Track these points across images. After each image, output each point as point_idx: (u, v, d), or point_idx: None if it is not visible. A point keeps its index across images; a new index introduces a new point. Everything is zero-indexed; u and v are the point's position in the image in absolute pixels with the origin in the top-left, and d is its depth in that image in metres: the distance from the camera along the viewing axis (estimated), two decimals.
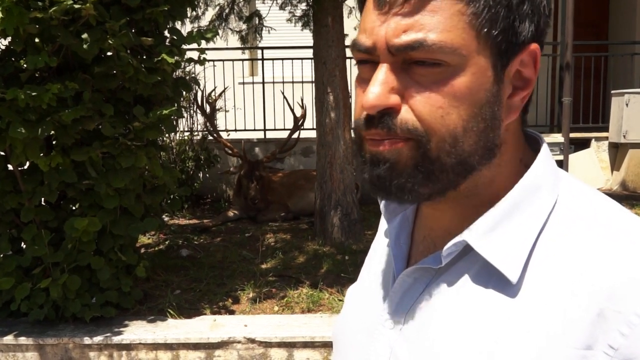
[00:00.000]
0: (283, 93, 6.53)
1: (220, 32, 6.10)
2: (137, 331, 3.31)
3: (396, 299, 0.63)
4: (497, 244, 0.56)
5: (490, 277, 0.56)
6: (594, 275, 0.51)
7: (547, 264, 0.55)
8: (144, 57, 3.39)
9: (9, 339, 3.25)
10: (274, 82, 7.28)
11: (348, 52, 5.33)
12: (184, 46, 3.47)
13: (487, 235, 0.57)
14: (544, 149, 0.61)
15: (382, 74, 0.55)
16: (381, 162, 0.57)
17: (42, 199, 3.37)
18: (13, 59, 3.19)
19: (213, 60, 6.33)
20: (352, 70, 6.75)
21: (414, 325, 0.60)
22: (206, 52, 3.49)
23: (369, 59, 0.57)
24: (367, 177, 0.58)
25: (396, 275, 0.64)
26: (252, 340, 3.22)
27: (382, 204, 0.70)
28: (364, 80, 0.58)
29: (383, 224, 0.75)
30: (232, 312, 3.69)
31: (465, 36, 0.53)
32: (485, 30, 0.53)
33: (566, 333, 0.51)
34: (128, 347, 3.24)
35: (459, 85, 0.54)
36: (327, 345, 3.20)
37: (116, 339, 3.24)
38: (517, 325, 0.53)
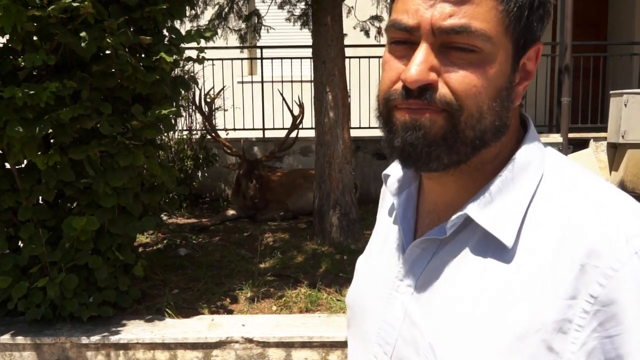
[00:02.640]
0: (281, 92, 6.51)
1: (219, 31, 6.09)
2: (134, 330, 3.31)
3: (407, 267, 0.72)
4: (494, 215, 0.66)
5: (489, 245, 0.66)
6: (575, 237, 0.61)
7: (537, 230, 0.64)
8: (143, 55, 3.39)
9: (5, 338, 3.24)
10: (272, 82, 7.27)
11: (347, 52, 5.33)
12: (182, 45, 3.46)
13: (485, 207, 0.66)
14: (531, 128, 0.71)
15: (424, 53, 0.62)
16: (417, 128, 0.64)
17: (40, 197, 3.37)
18: (11, 57, 3.18)
19: (212, 59, 6.32)
20: (351, 69, 6.75)
21: (424, 290, 0.70)
22: (205, 51, 3.48)
23: (406, 39, 0.64)
24: (398, 144, 0.65)
25: (405, 247, 0.74)
26: (250, 340, 3.22)
27: (386, 183, 0.79)
28: (396, 57, 0.66)
29: (384, 199, 0.86)
30: (230, 312, 3.68)
31: (498, 29, 0.62)
32: (512, 26, 0.63)
33: (555, 287, 0.60)
34: (125, 346, 3.23)
35: (490, 70, 0.63)
36: (325, 345, 3.19)
37: (114, 339, 3.23)
38: (513, 286, 0.62)
